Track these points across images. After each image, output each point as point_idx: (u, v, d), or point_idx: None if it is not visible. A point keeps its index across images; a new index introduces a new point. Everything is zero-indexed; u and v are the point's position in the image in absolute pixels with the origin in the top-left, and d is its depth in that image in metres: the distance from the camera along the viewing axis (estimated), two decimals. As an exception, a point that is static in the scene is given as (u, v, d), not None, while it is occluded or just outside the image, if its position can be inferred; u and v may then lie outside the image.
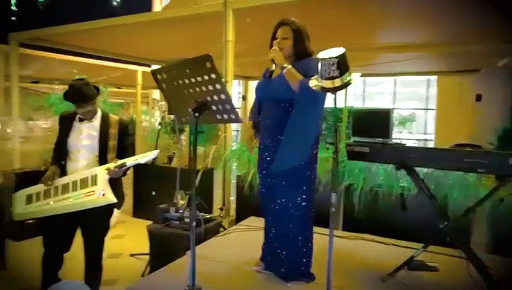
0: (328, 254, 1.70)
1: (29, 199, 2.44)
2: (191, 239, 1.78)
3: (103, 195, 2.23)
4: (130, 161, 2.31)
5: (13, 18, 3.61)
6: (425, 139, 10.18)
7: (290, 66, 2.04)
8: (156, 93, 15.73)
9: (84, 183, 2.30)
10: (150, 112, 16.89)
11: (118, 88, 13.48)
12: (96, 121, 2.46)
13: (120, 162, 2.32)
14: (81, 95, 2.33)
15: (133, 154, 2.50)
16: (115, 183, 2.40)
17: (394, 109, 10.99)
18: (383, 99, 12.38)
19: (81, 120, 2.45)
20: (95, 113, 2.48)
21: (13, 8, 3.52)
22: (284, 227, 2.21)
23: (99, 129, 2.44)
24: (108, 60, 8.05)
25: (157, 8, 17.30)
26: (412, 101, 12.60)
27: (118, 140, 2.48)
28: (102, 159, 2.42)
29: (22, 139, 6.39)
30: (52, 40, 6.00)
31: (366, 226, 3.17)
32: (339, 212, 3.48)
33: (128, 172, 2.51)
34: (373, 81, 11.85)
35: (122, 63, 8.48)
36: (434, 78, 9.23)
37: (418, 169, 2.35)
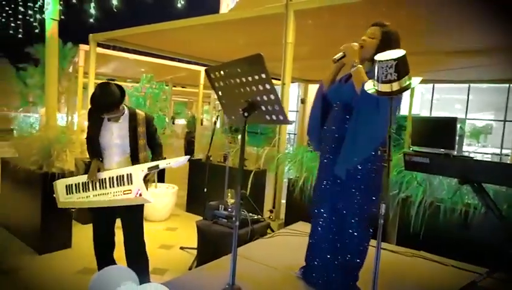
0: (373, 269, 1.59)
1: (68, 189, 2.60)
2: (233, 238, 1.78)
3: (140, 195, 2.33)
4: (162, 164, 2.38)
5: (91, 20, 3.97)
6: (501, 154, 9.19)
7: (360, 66, 1.92)
8: (218, 94, 16.28)
9: (120, 180, 2.41)
10: (211, 111, 17.50)
11: (183, 87, 14.18)
12: (125, 120, 2.50)
13: (153, 164, 2.38)
14: (102, 105, 2.36)
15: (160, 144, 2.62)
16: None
17: (467, 119, 10.11)
18: (454, 108, 11.47)
19: (109, 119, 2.49)
20: (121, 114, 2.49)
21: (92, 11, 3.89)
22: (341, 239, 2.05)
23: (128, 128, 2.49)
24: (174, 61, 8.50)
25: (223, 11, 17.88)
26: (488, 112, 11.52)
27: (148, 134, 2.54)
28: (134, 158, 2.49)
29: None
30: (126, 40, 6.48)
31: (422, 243, 2.94)
32: (394, 225, 3.28)
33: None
34: (443, 88, 11.02)
35: (187, 63, 8.90)
36: (516, 86, 8.34)
37: (488, 186, 2.12)
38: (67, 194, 2.60)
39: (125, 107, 2.53)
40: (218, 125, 5.05)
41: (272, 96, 1.63)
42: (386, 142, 1.89)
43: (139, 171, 2.37)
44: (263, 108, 1.71)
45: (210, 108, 17.78)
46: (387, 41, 1.96)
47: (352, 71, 1.94)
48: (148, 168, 2.39)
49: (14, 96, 17.38)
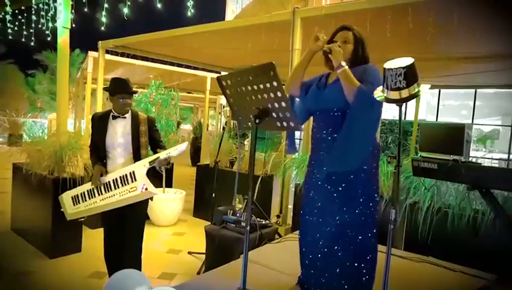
0: (383, 275, 1.60)
1: (75, 200, 2.64)
2: (244, 243, 1.80)
3: (146, 189, 2.37)
4: (162, 155, 2.41)
5: (102, 28, 4.06)
6: (508, 159, 9.13)
7: (346, 67, 1.88)
8: (223, 99, 16.37)
9: (124, 180, 2.45)
10: (217, 117, 17.59)
11: (188, 93, 14.28)
12: (128, 119, 2.60)
13: (153, 157, 2.43)
14: (128, 87, 2.55)
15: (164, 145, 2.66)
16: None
17: (474, 124, 10.07)
18: (461, 114, 11.44)
19: (114, 118, 2.59)
20: (128, 110, 2.62)
21: (103, 19, 3.97)
22: (343, 253, 1.98)
23: (131, 127, 2.58)
24: (182, 67, 8.58)
25: (229, 19, 18.05)
26: (495, 117, 11.48)
27: (149, 136, 2.62)
28: (136, 156, 2.56)
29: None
30: (134, 47, 6.57)
31: (430, 249, 2.95)
32: (402, 231, 3.29)
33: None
34: (449, 93, 11.00)
35: (193, 69, 8.99)
36: (523, 92, 8.30)
37: (496, 192, 2.13)
38: (74, 205, 2.64)
39: (129, 109, 2.65)
40: (224, 130, 5.09)
41: (284, 104, 1.66)
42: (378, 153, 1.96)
43: (141, 166, 2.42)
44: (274, 115, 1.74)
45: (216, 113, 17.86)
46: (361, 44, 2.03)
47: (339, 72, 1.88)
48: (149, 162, 2.43)
49: (23, 102, 17.65)
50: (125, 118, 2.60)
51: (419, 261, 2.83)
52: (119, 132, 2.57)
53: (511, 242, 2.13)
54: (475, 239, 2.67)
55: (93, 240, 4.09)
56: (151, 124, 2.67)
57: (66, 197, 2.69)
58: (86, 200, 2.59)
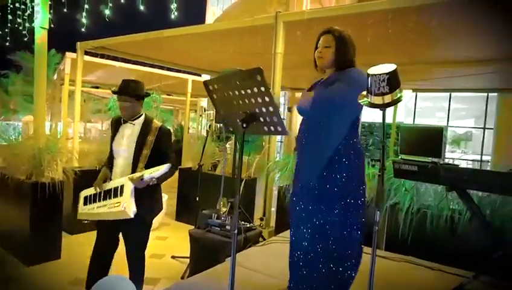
0: (369, 277, 1.64)
1: (85, 201, 2.56)
2: (232, 247, 1.81)
3: (124, 209, 2.24)
4: (146, 174, 2.27)
5: (83, 29, 3.98)
6: (482, 161, 9.49)
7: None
8: (204, 102, 16.28)
9: (115, 192, 2.35)
10: (198, 120, 17.45)
11: (168, 95, 14.12)
12: (138, 126, 2.46)
13: (139, 174, 2.29)
14: (125, 86, 2.40)
15: (176, 161, 2.50)
16: (151, 195, 2.43)
17: (448, 126, 10.41)
18: (436, 116, 11.80)
19: (124, 122, 2.47)
20: (135, 112, 2.45)
21: (84, 20, 3.88)
22: (326, 254, 2.06)
23: (138, 134, 2.43)
24: (163, 69, 8.49)
25: (209, 20, 17.98)
26: (469, 119, 11.91)
27: (156, 146, 2.43)
28: (134, 167, 2.41)
29: (80, 139, 6.92)
30: (114, 49, 6.45)
31: (410, 248, 3.03)
32: (383, 231, 3.37)
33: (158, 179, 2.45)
34: (426, 97, 11.33)
35: (174, 72, 8.91)
36: (494, 95, 8.65)
37: (472, 192, 2.22)
38: (84, 205, 2.55)
39: (144, 114, 2.52)
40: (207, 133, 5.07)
41: (271, 108, 1.68)
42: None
43: (129, 181, 2.30)
44: (262, 119, 1.75)
45: (196, 116, 17.73)
46: (343, 45, 2.05)
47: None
48: (136, 177, 2.27)
49: (-5, 104, 16.96)
50: (133, 124, 2.45)
51: (400, 261, 2.91)
52: (125, 138, 2.44)
53: (487, 240, 2.22)
54: (453, 238, 2.77)
55: (73, 246, 3.99)
56: (159, 134, 2.44)
57: (82, 195, 2.59)
58: (90, 203, 2.50)
